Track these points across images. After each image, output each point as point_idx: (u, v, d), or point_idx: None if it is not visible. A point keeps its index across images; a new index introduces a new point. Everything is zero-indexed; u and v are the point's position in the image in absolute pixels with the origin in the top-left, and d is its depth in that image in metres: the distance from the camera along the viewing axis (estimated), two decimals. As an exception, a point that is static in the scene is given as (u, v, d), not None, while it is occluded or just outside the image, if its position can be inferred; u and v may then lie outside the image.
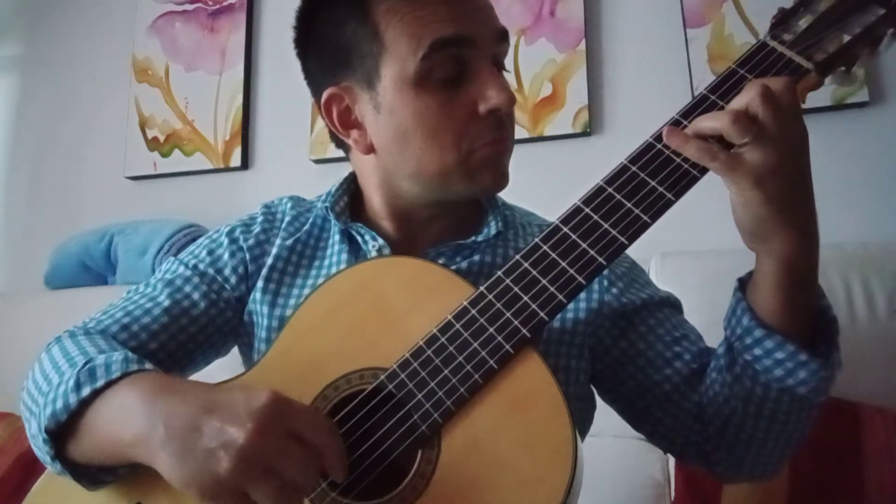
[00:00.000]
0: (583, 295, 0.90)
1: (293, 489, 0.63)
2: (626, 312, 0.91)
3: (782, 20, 0.77)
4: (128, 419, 0.69)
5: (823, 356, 0.75)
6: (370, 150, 0.89)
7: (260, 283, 0.93)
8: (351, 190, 0.98)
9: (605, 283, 0.92)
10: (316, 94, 0.91)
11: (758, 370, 0.77)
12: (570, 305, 0.90)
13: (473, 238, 0.91)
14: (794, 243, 0.72)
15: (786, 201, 0.70)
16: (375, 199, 0.93)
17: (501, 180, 0.88)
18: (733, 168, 0.68)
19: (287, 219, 0.98)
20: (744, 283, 0.81)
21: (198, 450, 0.63)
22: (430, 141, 0.83)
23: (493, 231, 0.91)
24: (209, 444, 0.63)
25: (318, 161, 2.06)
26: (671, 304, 0.95)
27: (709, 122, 0.70)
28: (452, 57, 0.82)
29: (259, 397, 0.65)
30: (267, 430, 0.62)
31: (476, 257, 0.91)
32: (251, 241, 0.96)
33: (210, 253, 0.96)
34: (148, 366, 0.75)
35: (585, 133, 1.82)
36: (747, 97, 0.68)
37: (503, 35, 0.87)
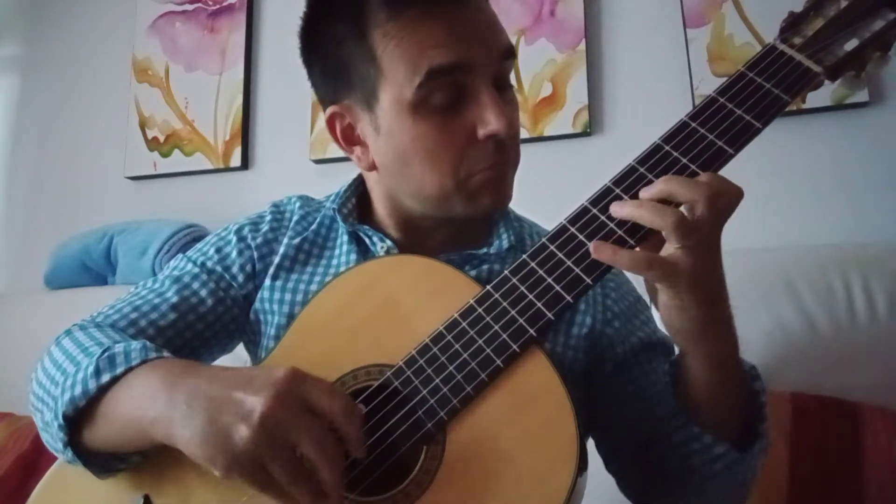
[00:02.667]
0: (584, 320, 0.91)
1: (309, 466, 0.64)
2: (625, 351, 0.91)
3: (792, 24, 0.77)
4: (149, 399, 0.70)
5: (758, 442, 0.77)
6: (372, 167, 0.89)
7: (267, 282, 0.94)
8: (359, 191, 0.99)
9: (609, 314, 0.92)
10: (322, 105, 0.92)
11: (692, 461, 0.78)
12: (574, 330, 0.91)
13: (485, 250, 0.91)
14: (725, 340, 0.74)
15: (715, 298, 0.71)
16: (380, 209, 0.94)
17: (502, 201, 0.88)
18: (670, 274, 0.68)
19: (295, 218, 0.99)
20: (673, 365, 0.81)
21: (220, 422, 0.64)
22: (429, 165, 0.83)
23: (504, 244, 0.91)
24: (229, 418, 0.64)
25: (318, 161, 2.06)
26: (664, 351, 0.94)
27: (649, 216, 0.68)
28: (450, 83, 0.80)
29: (279, 370, 0.66)
30: (284, 401, 0.63)
31: (485, 266, 0.90)
32: (259, 240, 0.96)
33: (218, 251, 0.96)
34: (166, 353, 0.76)
35: (585, 133, 1.82)
36: (692, 195, 0.67)
37: (507, 53, 0.85)
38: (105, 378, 0.73)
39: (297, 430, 0.63)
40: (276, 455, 0.63)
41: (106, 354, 0.75)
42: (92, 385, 0.73)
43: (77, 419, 0.74)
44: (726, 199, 0.68)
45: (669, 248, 0.69)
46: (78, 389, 0.73)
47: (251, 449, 0.62)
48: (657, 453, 0.82)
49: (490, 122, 0.80)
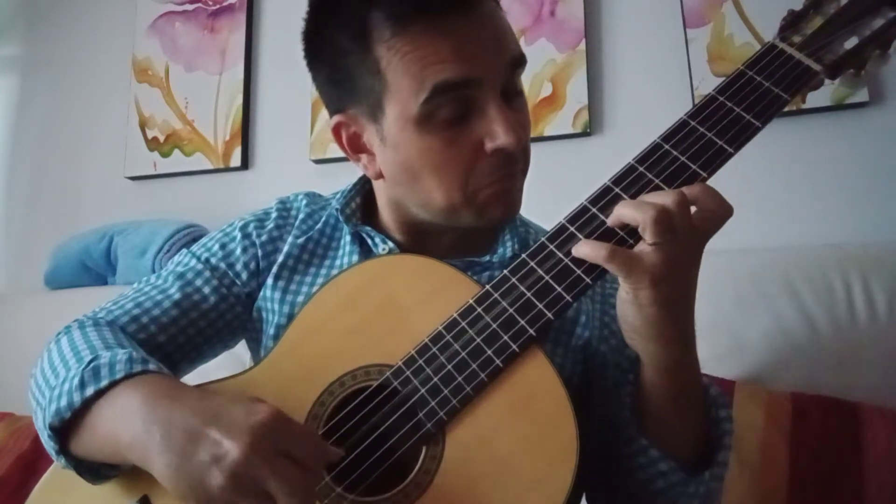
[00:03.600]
0: (583, 333, 0.90)
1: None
2: (615, 370, 0.90)
3: (791, 22, 0.77)
4: (127, 422, 0.70)
5: (710, 469, 0.76)
6: (379, 176, 0.89)
7: (270, 280, 0.94)
8: (365, 190, 0.99)
9: (606, 332, 0.92)
10: (328, 111, 0.91)
11: (638, 476, 0.78)
12: (573, 342, 0.90)
13: (489, 258, 0.90)
14: (678, 348, 0.73)
15: (675, 305, 0.70)
16: (385, 213, 0.94)
17: (511, 212, 0.87)
18: (630, 268, 0.68)
19: (301, 216, 0.98)
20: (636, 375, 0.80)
21: (193, 461, 0.64)
22: (437, 179, 0.82)
23: (508, 253, 0.91)
24: (204, 458, 0.63)
25: (318, 161, 2.06)
26: None
27: (630, 212, 0.69)
28: (456, 98, 0.79)
29: (258, 413, 0.65)
30: (261, 448, 0.63)
31: (486, 274, 0.90)
32: (264, 238, 0.96)
33: (223, 247, 0.96)
34: (152, 366, 0.76)
35: (585, 133, 1.82)
36: (665, 199, 0.68)
37: (516, 62, 0.83)
38: (89, 391, 0.73)
39: (270, 474, 0.63)
40: (251, 499, 0.63)
41: (91, 365, 0.75)
42: (77, 398, 0.73)
43: (65, 428, 0.74)
44: (708, 212, 0.68)
45: (642, 245, 0.69)
46: (63, 401, 0.73)
47: (223, 494, 0.62)
48: (614, 468, 0.82)
49: (498, 137, 0.79)
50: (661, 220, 0.66)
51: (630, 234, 0.71)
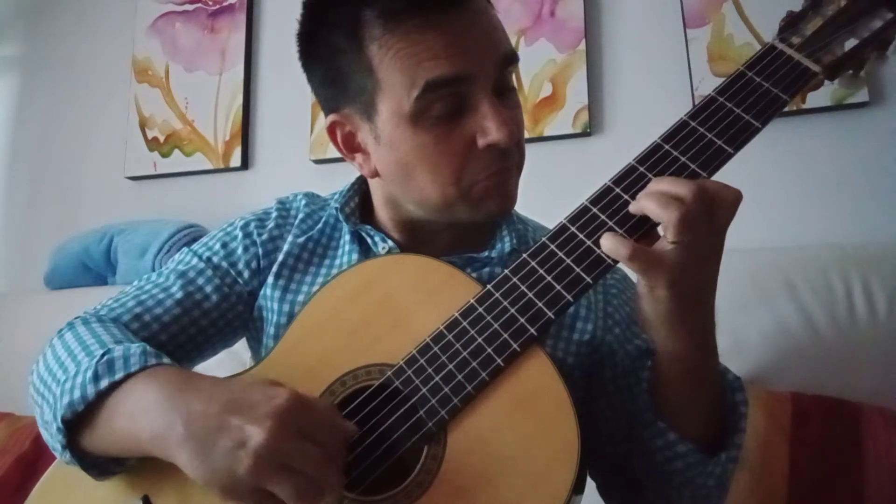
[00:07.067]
0: (585, 326, 0.91)
1: (314, 486, 0.64)
2: (623, 358, 0.91)
3: (791, 23, 0.77)
4: (146, 414, 0.70)
5: (726, 451, 0.77)
6: (374, 174, 0.89)
7: (270, 279, 0.94)
8: (363, 190, 0.99)
9: (610, 321, 0.92)
10: (323, 111, 0.91)
11: (656, 458, 0.78)
12: (575, 336, 0.91)
13: (487, 253, 0.91)
14: (691, 340, 0.73)
15: (693, 299, 0.71)
16: (382, 212, 0.94)
17: (507, 206, 0.87)
18: (650, 267, 0.68)
19: (301, 216, 0.99)
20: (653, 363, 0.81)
21: (218, 449, 0.64)
22: (431, 175, 0.83)
23: (507, 248, 0.91)
24: (228, 444, 0.63)
25: (318, 161, 2.06)
26: None
27: (654, 207, 0.68)
28: (449, 94, 0.79)
29: (278, 396, 0.66)
30: (285, 431, 0.63)
31: (486, 269, 0.90)
32: (265, 237, 0.96)
33: (224, 246, 0.96)
34: (166, 360, 0.76)
35: (585, 133, 1.82)
36: (683, 192, 0.67)
37: (507, 59, 0.83)
38: (104, 384, 0.73)
39: (298, 456, 0.64)
40: (279, 480, 0.63)
41: (105, 358, 0.75)
42: (91, 391, 0.73)
43: (75, 422, 0.74)
44: (723, 206, 0.68)
45: (662, 242, 0.69)
46: (77, 394, 0.73)
47: (250, 478, 0.63)
48: (632, 453, 0.83)
49: (490, 132, 0.80)
50: (684, 220, 0.66)
51: (630, 232, 0.71)
